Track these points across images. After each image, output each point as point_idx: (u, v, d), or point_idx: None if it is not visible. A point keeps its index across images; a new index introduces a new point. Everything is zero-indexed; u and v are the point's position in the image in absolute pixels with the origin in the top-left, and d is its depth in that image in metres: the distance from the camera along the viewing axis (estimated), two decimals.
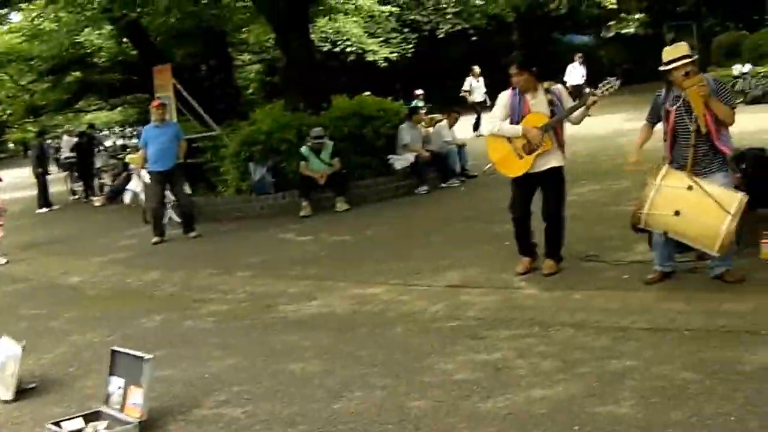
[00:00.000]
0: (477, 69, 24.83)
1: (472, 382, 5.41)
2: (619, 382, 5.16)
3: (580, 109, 7.67)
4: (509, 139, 7.71)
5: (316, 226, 12.07)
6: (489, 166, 8.04)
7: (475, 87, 24.37)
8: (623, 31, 52.43)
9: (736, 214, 6.36)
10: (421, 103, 24.38)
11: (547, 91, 7.70)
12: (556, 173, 7.77)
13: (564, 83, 24.10)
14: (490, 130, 7.90)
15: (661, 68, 6.86)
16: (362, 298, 7.81)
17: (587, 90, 7.75)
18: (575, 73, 24.97)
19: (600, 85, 7.71)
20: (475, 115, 23.80)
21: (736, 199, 6.45)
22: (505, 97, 7.81)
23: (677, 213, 6.48)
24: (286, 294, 8.39)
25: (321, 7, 20.19)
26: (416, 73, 35.76)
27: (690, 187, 6.51)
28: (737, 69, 25.41)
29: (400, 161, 14.24)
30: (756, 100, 24.08)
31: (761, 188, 7.86)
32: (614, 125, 20.76)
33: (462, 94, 25.20)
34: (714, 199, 6.42)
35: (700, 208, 6.44)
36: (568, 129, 7.95)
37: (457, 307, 7.18)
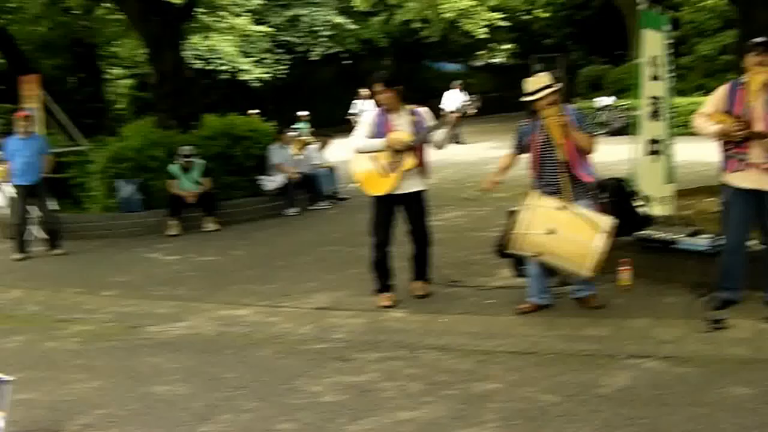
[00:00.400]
0: (365, 91, 24.75)
1: (339, 405, 5.50)
2: (483, 404, 5.33)
3: (443, 131, 7.74)
4: (374, 158, 7.73)
5: (185, 245, 11.95)
6: (354, 184, 8.09)
7: (363, 110, 24.14)
8: (492, 61, 53.73)
9: (607, 233, 6.62)
10: (306, 125, 24.43)
11: (412, 112, 7.78)
12: (419, 196, 7.85)
13: (441, 110, 24.60)
14: (355, 147, 7.86)
15: (524, 98, 7.07)
16: (230, 320, 7.79)
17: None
18: (453, 100, 25.24)
19: (462, 103, 7.86)
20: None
21: (605, 220, 6.72)
22: (370, 116, 7.92)
23: (551, 232, 6.66)
24: (152, 315, 8.28)
25: (195, 24, 20.01)
26: (289, 95, 35.71)
27: (562, 208, 6.74)
28: (600, 101, 26.33)
29: (270, 182, 14.24)
30: (617, 132, 24.93)
31: (619, 217, 8.23)
32: (480, 153, 21.33)
33: (348, 116, 24.77)
34: (585, 218, 6.67)
35: (573, 226, 6.65)
36: (437, 155, 8.11)
37: (324, 330, 7.26)
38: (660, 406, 5.11)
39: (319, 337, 7.07)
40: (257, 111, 23.86)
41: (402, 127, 7.71)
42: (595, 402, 5.24)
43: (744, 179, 6.67)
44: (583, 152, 7.07)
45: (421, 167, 7.82)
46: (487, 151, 21.34)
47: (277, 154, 14.49)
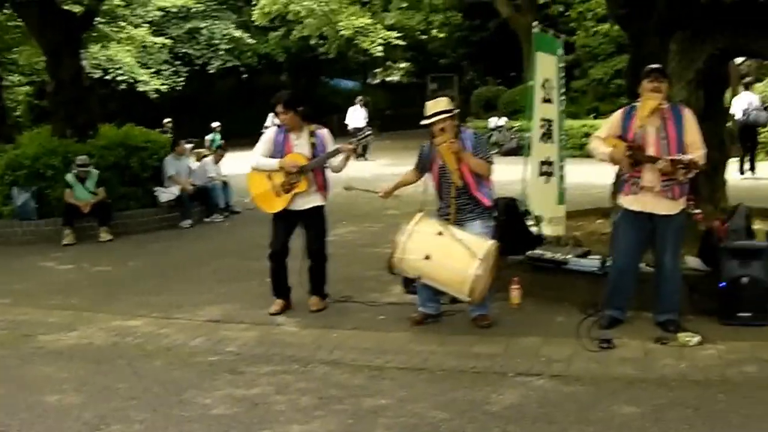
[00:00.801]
0: (361, 96, 24.70)
1: (230, 417, 5.41)
2: (373, 419, 5.31)
3: (340, 158, 7.76)
4: (269, 176, 7.75)
5: (79, 255, 11.65)
6: (249, 200, 8.07)
7: (356, 113, 24.07)
8: (388, 79, 54.12)
9: (485, 260, 6.69)
10: (218, 136, 24.09)
11: (312, 134, 7.81)
12: (317, 212, 7.91)
13: (346, 126, 24.56)
14: (251, 164, 7.90)
15: (422, 122, 7.10)
16: (122, 330, 7.61)
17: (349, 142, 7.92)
18: (356, 116, 25.24)
19: (357, 137, 7.93)
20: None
21: (485, 246, 6.79)
22: (270, 133, 7.91)
23: (428, 257, 6.74)
24: (45, 324, 8.02)
25: (94, 34, 19.64)
26: (186, 107, 35.29)
27: (440, 233, 6.80)
28: (493, 122, 26.76)
29: (165, 194, 14.02)
30: (510, 152, 25.43)
31: (512, 236, 8.35)
32: (375, 170, 21.43)
33: (263, 130, 24.63)
34: (463, 244, 6.72)
35: (449, 253, 6.72)
36: (335, 173, 8.11)
37: (217, 342, 7.15)
38: (548, 424, 5.17)
39: (212, 349, 6.96)
40: (169, 120, 23.50)
41: (300, 148, 7.73)
42: (485, 419, 5.27)
43: (636, 202, 6.85)
44: (482, 176, 7.15)
45: (320, 187, 7.86)
46: (382, 168, 21.50)
47: (171, 165, 14.26)
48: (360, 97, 25.74)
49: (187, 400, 5.77)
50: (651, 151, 6.72)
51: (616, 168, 7.15)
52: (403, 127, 28.71)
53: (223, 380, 6.16)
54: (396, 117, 33.24)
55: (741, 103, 17.40)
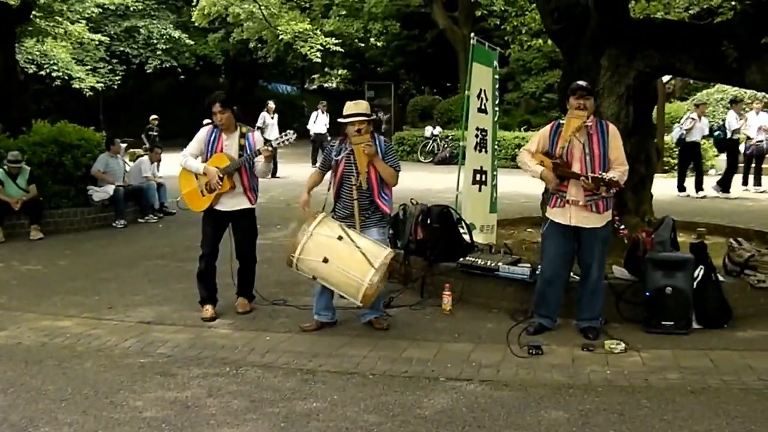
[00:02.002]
0: (272, 104, 23.36)
1: (161, 420, 5.33)
2: (305, 422, 5.29)
3: (261, 162, 7.72)
4: (197, 175, 7.77)
5: (8, 253, 11.36)
6: (179, 198, 8.00)
7: (269, 124, 22.81)
8: (326, 85, 54.13)
9: (380, 269, 6.70)
10: (156, 130, 23.95)
11: (243, 135, 7.80)
12: (247, 214, 7.90)
13: (308, 131, 24.26)
14: (180, 162, 7.88)
15: (339, 120, 7.18)
16: (52, 331, 7.45)
17: (275, 140, 7.88)
18: (319, 122, 24.59)
19: (276, 138, 7.91)
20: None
21: (383, 254, 6.81)
22: (203, 132, 7.86)
23: (326, 260, 6.74)
24: None
25: (30, 28, 19.24)
26: (122, 106, 34.87)
27: (340, 237, 6.81)
28: (428, 131, 26.91)
29: (99, 193, 13.77)
30: (444, 161, 25.60)
31: (445, 243, 8.40)
32: (308, 173, 21.34)
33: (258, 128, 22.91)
34: (362, 251, 6.74)
35: (347, 258, 6.73)
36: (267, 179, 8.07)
37: (148, 344, 7.04)
38: (478, 428, 5.20)
39: (143, 351, 6.85)
40: (155, 117, 23.01)
41: (229, 149, 7.75)
42: (416, 423, 5.28)
43: (562, 215, 7.00)
44: (387, 183, 7.22)
45: (247, 188, 7.83)
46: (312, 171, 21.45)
47: (101, 161, 13.98)
48: (323, 102, 25.29)
49: (117, 402, 5.67)
50: (576, 166, 6.87)
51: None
52: (339, 133, 28.59)
53: (154, 382, 6.07)
54: (332, 122, 33.11)
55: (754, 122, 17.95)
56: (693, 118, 17.66)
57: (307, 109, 42.34)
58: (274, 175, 21.62)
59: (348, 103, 7.21)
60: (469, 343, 6.94)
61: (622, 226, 7.02)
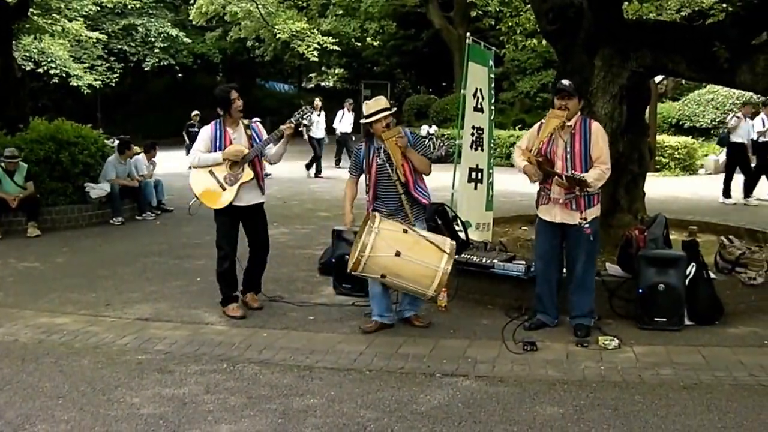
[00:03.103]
0: (318, 102, 22.75)
1: (158, 417, 5.32)
2: (302, 418, 5.28)
3: (278, 145, 7.70)
4: (212, 172, 7.67)
5: (5, 250, 11.33)
6: (194, 200, 7.88)
7: (315, 121, 22.07)
8: (323, 84, 54.12)
9: (451, 254, 6.71)
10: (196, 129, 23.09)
11: (247, 126, 7.80)
12: (260, 207, 7.90)
13: (334, 130, 24.00)
14: (191, 162, 7.81)
15: (363, 121, 7.14)
16: (49, 328, 7.43)
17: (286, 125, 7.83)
18: (345, 121, 23.61)
19: (294, 115, 7.84)
20: (313, 153, 22.11)
21: (447, 242, 6.81)
22: (208, 130, 7.79)
23: (398, 254, 6.62)
24: None
25: (27, 25, 19.20)
26: (119, 104, 34.82)
27: (405, 231, 6.77)
28: (424, 129, 26.77)
29: (96, 190, 13.74)
30: (440, 160, 25.48)
31: None
32: (305, 171, 21.39)
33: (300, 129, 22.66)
34: (429, 240, 6.73)
35: (419, 248, 6.68)
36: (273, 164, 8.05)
37: (146, 341, 7.02)
38: (474, 424, 5.19)
39: (140, 348, 6.84)
40: (197, 113, 22.55)
41: (239, 141, 7.68)
42: (413, 418, 5.28)
43: (548, 213, 7.07)
44: (420, 175, 7.21)
45: (260, 178, 7.82)
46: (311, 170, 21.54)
47: (113, 168, 14.00)
48: (349, 101, 24.37)
49: (114, 398, 5.65)
50: (558, 164, 6.91)
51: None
52: (362, 133, 28.49)
53: (151, 379, 6.06)
54: (329, 121, 33.09)
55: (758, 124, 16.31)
56: (739, 117, 16.49)
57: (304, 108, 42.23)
58: (318, 174, 21.46)
59: (368, 103, 7.17)
60: (465, 339, 6.94)
61: (586, 225, 7.01)
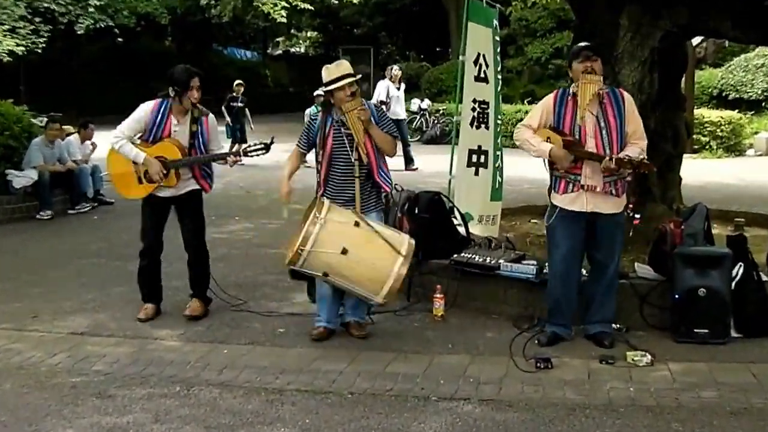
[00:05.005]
0: (398, 71, 21.14)
1: None
2: None
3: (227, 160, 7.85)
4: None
5: None
6: (105, 174, 7.89)
7: (394, 96, 20.20)
8: (293, 50, 54.08)
9: (408, 257, 6.72)
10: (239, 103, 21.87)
11: (195, 120, 7.76)
12: (192, 197, 7.89)
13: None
14: (111, 142, 7.75)
15: (322, 89, 7.19)
16: None
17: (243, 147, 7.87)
18: (388, 91, 20.73)
19: (248, 147, 7.89)
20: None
21: (405, 241, 6.82)
22: (147, 110, 7.72)
23: (344, 251, 6.69)
24: None
25: None
26: (47, 74, 34.63)
27: (357, 224, 6.80)
28: (415, 104, 26.46)
29: (20, 179, 13.65)
30: (433, 140, 25.35)
31: (436, 237, 8.36)
32: (274, 156, 21.19)
33: (375, 103, 18.96)
34: (384, 238, 6.75)
35: (369, 246, 6.73)
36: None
37: (82, 359, 6.99)
38: None
39: (75, 368, 6.81)
40: (240, 82, 21.92)
41: (180, 135, 7.71)
42: None
43: (575, 201, 6.93)
44: (383, 156, 7.25)
45: (197, 177, 7.86)
46: (280, 155, 21.26)
47: (37, 153, 13.89)
48: (393, 68, 21.69)
49: (43, 430, 5.62)
50: (591, 144, 6.84)
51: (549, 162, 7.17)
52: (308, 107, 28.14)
53: (88, 405, 6.03)
54: (301, 95, 33.01)
55: None
56: None
57: (271, 79, 42.32)
58: (409, 165, 18.86)
59: (327, 67, 7.19)
60: (466, 356, 6.94)
61: (637, 215, 7.00)
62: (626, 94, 7.04)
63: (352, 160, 7.11)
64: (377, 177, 7.19)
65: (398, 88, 20.58)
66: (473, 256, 8.15)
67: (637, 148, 6.83)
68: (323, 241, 6.72)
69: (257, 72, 45.04)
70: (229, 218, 12.72)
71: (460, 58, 9.40)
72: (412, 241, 6.91)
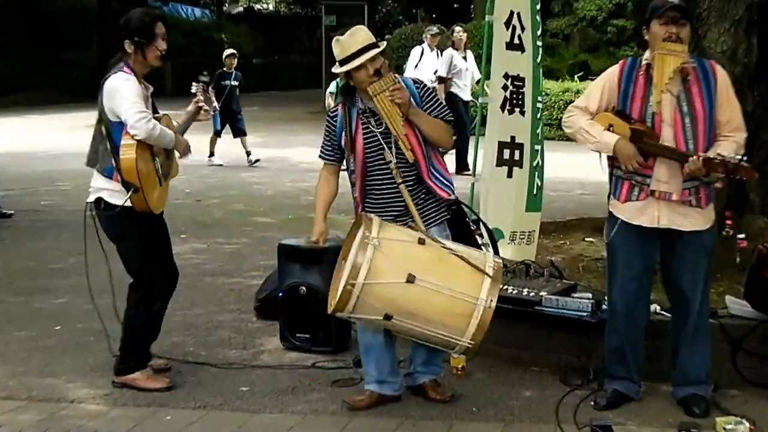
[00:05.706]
0: (462, 34, 20.56)
1: None
2: None
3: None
4: (154, 154, 7.46)
5: None
6: (129, 197, 7.50)
7: (460, 68, 19.85)
8: (257, 7, 54.24)
9: (496, 279, 6.42)
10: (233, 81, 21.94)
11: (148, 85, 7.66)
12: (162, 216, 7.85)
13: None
14: (147, 132, 7.22)
15: (337, 70, 6.89)
16: None
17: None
18: (426, 64, 21.10)
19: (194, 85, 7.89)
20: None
21: (489, 258, 6.61)
22: (134, 84, 7.36)
23: (411, 279, 6.30)
24: None
25: None
26: None
27: (422, 241, 6.52)
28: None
29: None
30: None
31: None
32: (238, 151, 21.17)
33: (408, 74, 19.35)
34: (460, 255, 6.48)
35: (443, 268, 6.45)
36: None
37: None
38: None
39: None
40: (233, 52, 21.65)
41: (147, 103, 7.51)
42: None
43: (642, 213, 6.83)
44: (435, 149, 7.06)
45: None
46: (249, 149, 21.38)
47: None
48: (431, 29, 22.31)
49: None
50: (668, 134, 6.69)
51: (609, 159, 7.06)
52: (281, 86, 28.25)
53: None
54: (269, 68, 33.08)
55: None
56: None
57: (228, 44, 42.28)
58: (461, 169, 18.36)
59: (338, 39, 6.86)
60: (497, 424, 6.93)
61: (741, 234, 6.90)
62: (720, 69, 6.89)
63: (392, 162, 6.85)
64: (428, 179, 6.92)
65: (464, 58, 20.13)
66: (505, 286, 8.13)
67: (732, 143, 6.65)
68: (380, 270, 6.32)
69: (209, 37, 45.09)
70: (174, 236, 12.67)
71: (487, 18, 9.39)
72: (498, 260, 6.70)
